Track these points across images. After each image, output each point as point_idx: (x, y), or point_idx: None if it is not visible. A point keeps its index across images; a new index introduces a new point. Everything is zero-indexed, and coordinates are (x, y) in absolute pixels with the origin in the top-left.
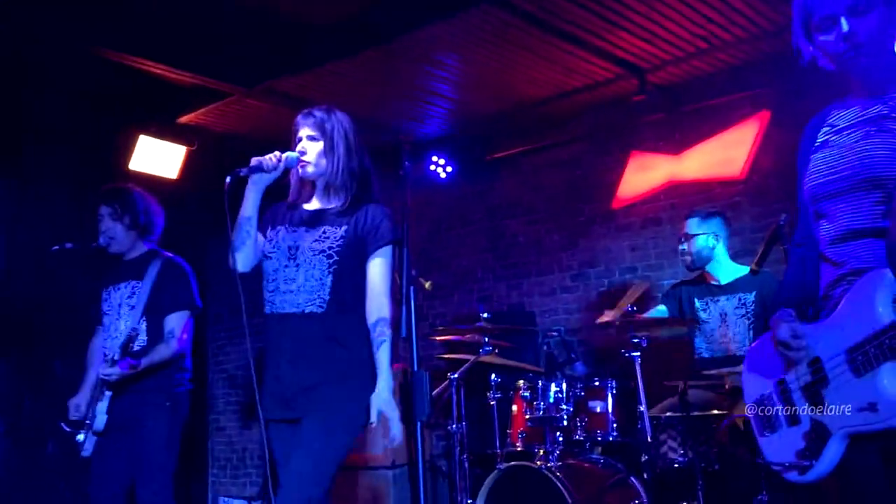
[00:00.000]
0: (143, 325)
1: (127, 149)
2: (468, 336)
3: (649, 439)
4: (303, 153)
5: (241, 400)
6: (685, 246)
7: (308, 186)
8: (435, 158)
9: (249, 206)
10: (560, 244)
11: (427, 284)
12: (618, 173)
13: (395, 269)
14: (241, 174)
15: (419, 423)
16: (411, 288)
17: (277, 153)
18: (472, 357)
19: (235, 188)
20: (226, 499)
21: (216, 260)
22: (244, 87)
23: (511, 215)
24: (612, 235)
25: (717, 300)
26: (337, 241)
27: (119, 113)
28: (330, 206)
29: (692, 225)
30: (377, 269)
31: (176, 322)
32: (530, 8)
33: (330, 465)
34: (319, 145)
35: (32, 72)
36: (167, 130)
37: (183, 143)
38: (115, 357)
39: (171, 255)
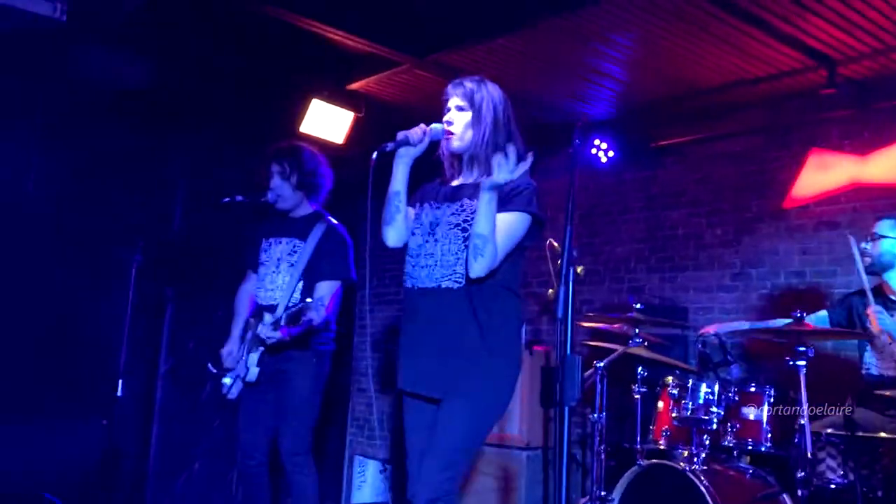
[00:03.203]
0: (301, 286)
1: (299, 111)
2: (617, 326)
3: (808, 455)
4: (449, 124)
5: (378, 365)
6: (868, 245)
7: (457, 161)
8: (597, 142)
9: (398, 180)
10: (722, 240)
11: (579, 269)
12: (794, 170)
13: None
14: (388, 149)
15: (567, 408)
16: (571, 269)
17: (423, 125)
18: (618, 347)
19: (384, 161)
20: (361, 458)
21: (372, 225)
22: (416, 58)
23: (672, 206)
24: (780, 236)
25: (894, 314)
26: (472, 213)
27: (294, 75)
28: (472, 181)
29: (884, 226)
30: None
31: (327, 290)
32: None
33: (471, 449)
34: (467, 116)
35: (214, 31)
36: (338, 96)
37: (351, 110)
38: (282, 322)
39: (335, 222)
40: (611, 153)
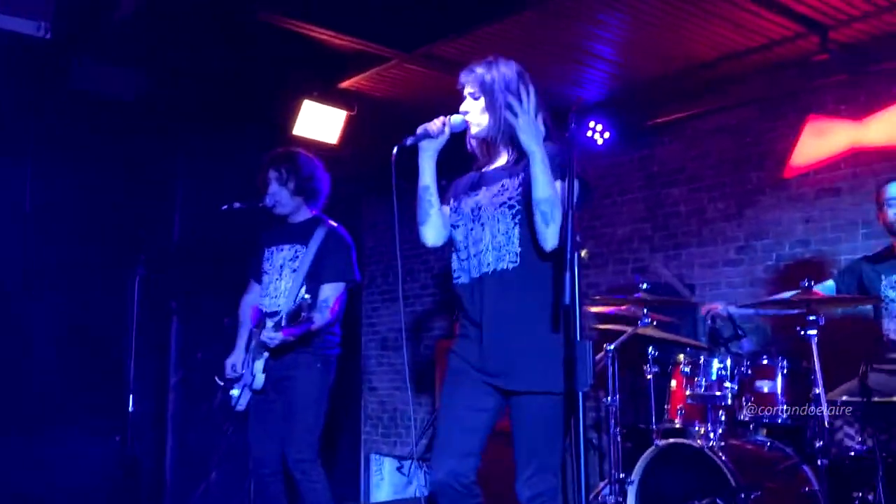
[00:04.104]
0: (303, 290)
1: (292, 113)
2: (625, 307)
3: (827, 424)
4: (465, 113)
5: (393, 362)
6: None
7: (485, 146)
8: (592, 124)
9: (426, 174)
10: (725, 214)
11: (584, 253)
12: (791, 139)
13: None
14: (408, 143)
15: (580, 394)
16: (576, 254)
17: (442, 118)
18: (627, 329)
19: (403, 158)
20: (377, 456)
21: (371, 223)
22: (404, 52)
23: (672, 183)
24: (782, 206)
25: None
26: (516, 189)
27: (285, 77)
28: (504, 162)
29: (894, 189)
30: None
31: (331, 292)
32: None
33: (561, 434)
34: (480, 102)
35: (202, 38)
36: (329, 95)
37: (343, 108)
38: (283, 323)
39: (335, 224)
40: (606, 135)
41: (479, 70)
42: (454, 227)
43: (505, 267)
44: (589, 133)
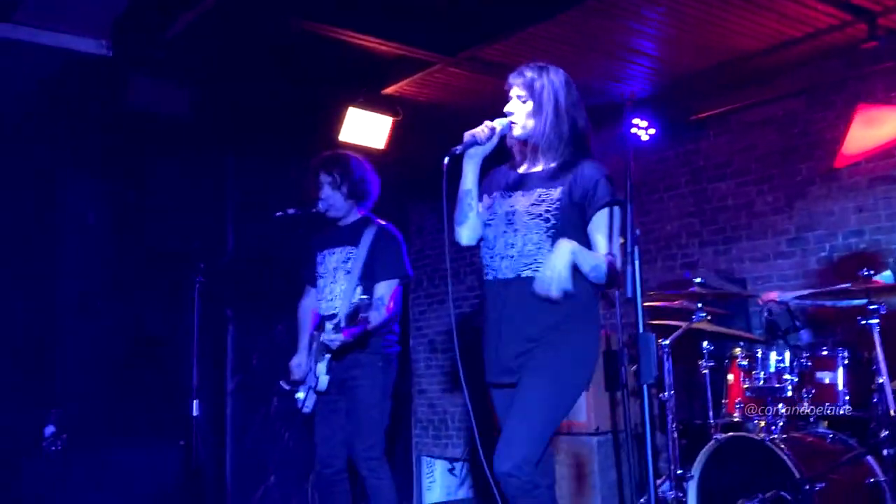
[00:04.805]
0: (359, 291)
1: (337, 120)
2: (678, 302)
3: (891, 413)
4: (509, 114)
5: (441, 364)
6: None
7: (524, 146)
8: (636, 121)
9: (469, 179)
10: (774, 207)
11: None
12: (841, 129)
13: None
14: (457, 152)
15: (646, 387)
16: (636, 248)
17: (489, 123)
18: (680, 324)
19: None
20: (428, 458)
21: (417, 227)
22: (447, 56)
23: (719, 177)
24: (834, 196)
25: None
26: (553, 203)
27: (330, 85)
28: (543, 168)
29: None
30: (599, 233)
31: (386, 289)
32: None
33: (550, 425)
34: (528, 106)
35: (248, 49)
36: (373, 101)
37: (388, 114)
38: (342, 325)
39: (385, 223)
40: (651, 130)
41: (530, 74)
42: (487, 224)
43: (530, 275)
44: (633, 129)
